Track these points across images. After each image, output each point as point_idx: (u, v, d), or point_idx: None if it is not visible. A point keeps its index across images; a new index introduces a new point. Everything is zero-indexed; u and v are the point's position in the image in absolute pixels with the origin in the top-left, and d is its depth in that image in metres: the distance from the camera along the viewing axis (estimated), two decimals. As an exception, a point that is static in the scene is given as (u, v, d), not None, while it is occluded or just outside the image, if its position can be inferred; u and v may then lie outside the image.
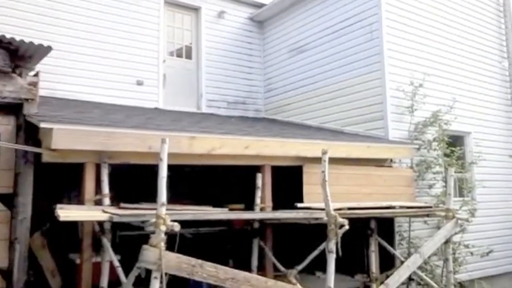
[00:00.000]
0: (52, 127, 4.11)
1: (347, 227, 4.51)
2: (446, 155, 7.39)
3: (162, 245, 3.60)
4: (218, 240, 7.50)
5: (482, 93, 9.07)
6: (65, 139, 4.15)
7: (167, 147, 3.77)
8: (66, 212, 3.79)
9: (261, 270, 5.70)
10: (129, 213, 4.10)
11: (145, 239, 3.78)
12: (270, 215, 5.48)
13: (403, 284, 6.17)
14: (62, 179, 6.60)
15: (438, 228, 6.91)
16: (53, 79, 7.31)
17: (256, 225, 5.83)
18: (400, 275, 5.37)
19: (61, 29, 7.73)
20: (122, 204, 4.55)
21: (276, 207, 5.80)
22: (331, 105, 8.39)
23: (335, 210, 4.68)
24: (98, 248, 4.49)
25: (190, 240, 7.05)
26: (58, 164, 4.48)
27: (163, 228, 3.58)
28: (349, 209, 5.20)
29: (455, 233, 6.34)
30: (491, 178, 8.69)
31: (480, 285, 7.75)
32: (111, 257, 4.26)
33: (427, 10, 8.33)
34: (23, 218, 4.48)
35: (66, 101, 7.10)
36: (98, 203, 4.50)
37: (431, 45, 8.28)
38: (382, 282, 5.63)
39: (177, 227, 3.60)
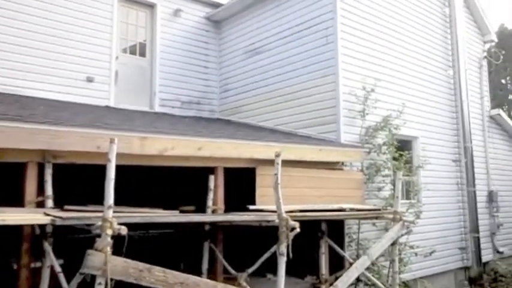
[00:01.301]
0: (-11, 124, 3.85)
1: (298, 230, 4.54)
2: (395, 158, 7.63)
3: (108, 249, 3.45)
4: (168, 242, 7.35)
5: (430, 99, 9.47)
6: (5, 137, 3.90)
7: (116, 148, 3.63)
8: (2, 216, 3.55)
9: (212, 273, 5.63)
10: (73, 215, 3.90)
11: (90, 242, 3.62)
12: (222, 217, 5.42)
13: (351, 284, 6.30)
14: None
15: (386, 230, 7.13)
16: (-6, 73, 6.91)
17: (207, 227, 5.75)
18: (348, 276, 5.47)
19: (5, 19, 7.29)
20: (66, 207, 4.33)
21: (228, 209, 5.75)
22: (285, 108, 8.45)
23: (287, 212, 4.70)
24: (38, 253, 4.25)
25: (139, 243, 6.85)
26: (-4, 163, 4.20)
27: (109, 232, 3.44)
28: (301, 211, 5.24)
29: (402, 235, 6.55)
30: (435, 181, 9.09)
31: (422, 284, 8.08)
32: (52, 261, 4.04)
33: (380, 17, 8.59)
34: (-44, 221, 4.15)
35: (8, 96, 6.71)
36: (40, 205, 4.26)
37: (383, 52, 8.54)
38: (331, 284, 5.71)
39: (124, 231, 3.47)
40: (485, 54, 11.68)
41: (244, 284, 5.08)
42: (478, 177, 9.97)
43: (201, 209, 5.78)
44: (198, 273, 5.48)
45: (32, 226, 4.15)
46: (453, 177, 9.70)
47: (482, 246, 9.75)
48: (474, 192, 9.67)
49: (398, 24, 9.01)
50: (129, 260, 3.63)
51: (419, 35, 9.50)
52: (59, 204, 4.48)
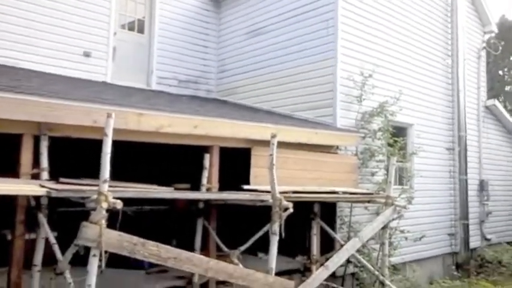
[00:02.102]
0: (-15, 94, 3.84)
1: (291, 210, 4.61)
2: (389, 144, 7.69)
3: (103, 222, 3.50)
4: (162, 219, 7.41)
5: (426, 87, 9.50)
6: (0, 108, 3.89)
7: (113, 123, 3.63)
8: (-2, 185, 3.57)
9: (204, 250, 5.71)
10: (68, 188, 3.94)
11: (84, 216, 3.65)
12: (217, 195, 5.48)
13: (341, 266, 6.42)
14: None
15: (377, 214, 7.22)
16: (-10, 43, 6.83)
17: (201, 205, 5.81)
18: (339, 257, 5.57)
19: (1, -11, 7.18)
20: (62, 179, 4.35)
21: (222, 188, 5.80)
22: (282, 90, 8.45)
23: (280, 193, 4.76)
24: (32, 224, 4.29)
25: (132, 219, 6.91)
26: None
27: (104, 205, 3.48)
28: (294, 192, 5.30)
29: (393, 219, 6.66)
30: (428, 168, 9.19)
31: (411, 267, 8.24)
32: (47, 233, 4.09)
33: (381, 3, 8.54)
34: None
35: (3, 68, 6.65)
36: (36, 177, 4.28)
37: (382, 38, 8.52)
38: (322, 264, 5.82)
39: (119, 205, 3.51)
40: (484, 44, 11.67)
41: (237, 261, 5.16)
42: (470, 166, 10.07)
43: (196, 187, 5.82)
44: (191, 250, 5.55)
45: (27, 198, 4.18)
46: (446, 165, 9.80)
47: (471, 233, 9.93)
48: (466, 180, 9.78)
49: (399, 11, 8.96)
50: (123, 234, 3.68)
51: (419, 23, 9.46)
52: (54, 177, 4.50)
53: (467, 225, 9.75)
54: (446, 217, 9.68)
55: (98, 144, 4.03)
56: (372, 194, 6.74)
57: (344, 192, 6.17)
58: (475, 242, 10.36)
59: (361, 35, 8.09)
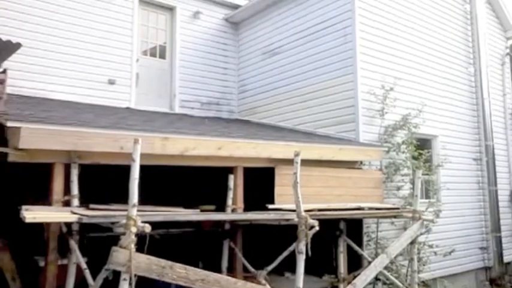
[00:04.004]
0: (20, 126, 4.03)
1: (317, 228, 4.60)
2: (414, 157, 7.60)
3: (132, 246, 3.58)
4: (188, 241, 7.48)
5: (450, 97, 9.38)
6: (33, 138, 4.08)
7: (140, 148, 3.75)
8: (32, 214, 3.71)
9: (231, 271, 5.73)
10: (99, 214, 4.05)
11: (113, 240, 3.74)
12: (242, 216, 5.52)
13: (369, 283, 6.31)
14: (27, 179, 6.46)
15: (405, 229, 7.11)
16: (20, 76, 7.15)
17: (227, 226, 5.86)
18: (367, 275, 5.49)
19: (30, 25, 7.54)
20: (91, 205, 4.48)
21: (247, 208, 5.84)
22: (303, 108, 8.49)
23: (306, 211, 4.76)
24: (63, 250, 4.42)
25: (159, 242, 7.00)
26: (25, 164, 4.38)
27: (133, 229, 3.57)
28: (319, 210, 5.29)
29: (421, 234, 6.53)
30: (455, 180, 9.00)
31: (442, 283, 8.02)
32: (78, 259, 4.20)
33: (399, 16, 8.55)
34: (-12, 218, 4.36)
35: (34, 99, 6.94)
36: (67, 204, 4.43)
37: (402, 50, 8.50)
38: (349, 283, 5.75)
39: (147, 229, 3.59)
40: (508, 50, 11.47)
41: (263, 281, 5.15)
42: (499, 176, 9.81)
43: (221, 208, 5.89)
44: (218, 271, 5.57)
45: (59, 224, 4.32)
46: (474, 176, 9.58)
47: (504, 246, 9.59)
48: (496, 191, 9.53)
49: (418, 22, 8.94)
50: (152, 257, 3.75)
51: (439, 33, 9.40)
52: (83, 203, 4.64)
53: (500, 237, 9.45)
54: (476, 230, 9.41)
55: (121, 169, 4.14)
56: (398, 208, 6.65)
57: (370, 208, 6.11)
58: (509, 255, 9.97)
59: (380, 49, 8.09)
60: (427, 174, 8.06)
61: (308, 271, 4.93)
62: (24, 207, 3.90)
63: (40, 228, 6.35)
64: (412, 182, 7.23)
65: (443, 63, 9.37)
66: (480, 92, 9.86)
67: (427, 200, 8.01)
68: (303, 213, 4.69)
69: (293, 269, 4.89)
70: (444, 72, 9.36)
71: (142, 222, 3.64)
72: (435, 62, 9.18)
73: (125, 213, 3.68)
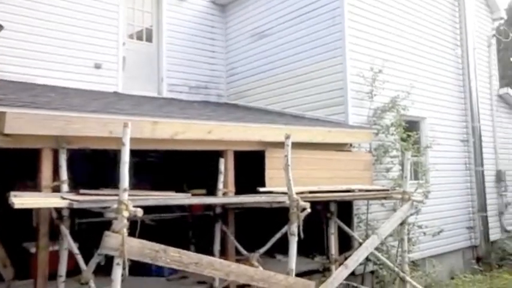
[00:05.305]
0: (5, 111, 3.93)
1: (309, 210, 4.62)
2: (403, 139, 7.65)
3: (125, 231, 3.55)
4: (179, 226, 7.49)
5: (437, 79, 9.43)
6: (20, 124, 3.98)
7: (129, 132, 3.69)
8: (21, 200, 3.66)
9: (223, 254, 5.74)
10: (89, 199, 4.01)
11: (102, 226, 3.71)
12: (234, 199, 5.51)
13: (360, 264, 6.41)
14: (14, 166, 6.35)
15: (394, 210, 7.20)
16: (5, 61, 6.97)
17: (218, 210, 5.85)
18: (359, 255, 5.56)
19: (13, 7, 7.31)
20: (82, 191, 4.43)
21: (238, 192, 5.83)
22: (292, 91, 8.46)
23: (297, 193, 4.77)
24: (53, 236, 4.37)
25: (150, 227, 7.00)
26: (11, 149, 4.29)
27: (125, 214, 3.53)
28: (310, 192, 5.31)
29: (411, 215, 6.62)
30: (444, 161, 9.11)
31: (431, 262, 8.17)
32: (69, 244, 4.16)
33: (386, -3, 8.51)
34: (-25, 206, 4.29)
35: (18, 84, 6.78)
36: (56, 189, 4.36)
37: (390, 32, 8.49)
38: (341, 264, 5.81)
39: (140, 213, 3.56)
40: (494, 32, 11.54)
41: (256, 263, 5.18)
42: (486, 156, 9.97)
43: (212, 192, 5.87)
44: (210, 255, 5.59)
45: (49, 210, 4.26)
46: (461, 157, 9.71)
47: (490, 225, 9.80)
48: (482, 171, 9.68)
49: (406, 4, 8.91)
50: (144, 241, 3.73)
51: (427, 14, 9.40)
52: (72, 188, 4.58)
53: (486, 217, 9.64)
54: (464, 210, 9.58)
55: (109, 154, 4.08)
56: (388, 190, 6.71)
57: (360, 190, 6.16)
58: (495, 234, 10.22)
59: (369, 31, 8.07)
60: (416, 156, 8.14)
61: (299, 253, 4.96)
62: (12, 193, 3.84)
63: (28, 214, 6.29)
64: (401, 164, 7.31)
65: (431, 45, 9.39)
66: (467, 74, 9.92)
67: (416, 181, 8.09)
68: (295, 196, 4.70)
69: (284, 252, 4.92)
70: (432, 54, 9.39)
71: (134, 206, 3.61)
72: (423, 44, 9.20)
73: (116, 198, 3.64)
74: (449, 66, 9.86)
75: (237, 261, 5.30)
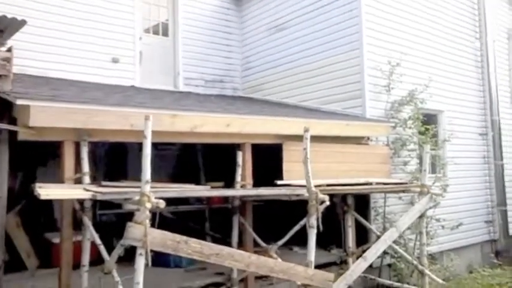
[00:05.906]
0: (30, 104, 4.00)
1: (328, 203, 4.62)
2: (420, 132, 7.58)
3: (147, 222, 3.59)
4: (196, 218, 7.56)
5: (456, 72, 9.29)
6: (44, 117, 4.05)
7: (151, 125, 3.73)
8: (46, 191, 3.73)
9: (242, 246, 5.78)
10: (112, 191, 4.07)
11: (122, 218, 3.76)
12: (254, 191, 5.54)
13: (378, 257, 6.39)
14: (37, 157, 6.48)
15: (412, 203, 7.16)
16: (24, 55, 7.05)
17: (236, 202, 5.88)
18: (377, 248, 5.54)
19: (33, 3, 7.40)
20: (103, 183, 4.50)
21: (255, 184, 5.86)
22: (309, 84, 8.43)
23: (315, 186, 4.77)
24: (74, 227, 4.45)
25: (168, 219, 7.09)
26: (34, 142, 4.37)
27: (148, 205, 3.57)
28: (328, 185, 5.31)
29: (429, 208, 6.57)
30: (462, 155, 9.00)
31: (449, 256, 8.11)
32: (92, 235, 4.24)
33: (404, -11, 8.40)
34: None
35: (39, 79, 6.89)
36: (78, 181, 4.44)
37: (408, 25, 8.38)
38: (358, 257, 5.81)
39: (162, 204, 3.60)
40: (514, 24, 11.31)
41: (275, 255, 5.20)
42: (505, 150, 9.80)
43: (230, 184, 5.91)
44: (228, 246, 5.64)
45: (72, 201, 4.34)
46: (480, 150, 9.58)
47: (509, 219, 9.67)
48: (501, 165, 9.56)
49: (424, -4, 8.80)
50: (166, 232, 3.77)
51: (445, 7, 9.25)
52: (93, 180, 4.66)
53: (506, 211, 9.52)
54: (483, 204, 9.47)
55: (128, 146, 4.12)
56: (406, 183, 6.68)
57: (378, 183, 6.13)
58: (514, 228, 10.09)
59: (386, 24, 7.98)
60: (434, 149, 8.05)
61: (316, 245, 4.97)
62: (37, 184, 3.92)
63: (49, 206, 6.41)
64: (419, 157, 7.24)
65: (449, 38, 9.25)
66: (486, 67, 9.77)
67: (433, 175, 8.02)
68: (313, 189, 4.70)
69: (300, 244, 4.94)
70: (450, 47, 9.26)
71: (156, 198, 3.65)
72: (442, 37, 9.07)
73: (137, 189, 3.69)
74: (468, 58, 9.70)
75: (255, 253, 5.33)
